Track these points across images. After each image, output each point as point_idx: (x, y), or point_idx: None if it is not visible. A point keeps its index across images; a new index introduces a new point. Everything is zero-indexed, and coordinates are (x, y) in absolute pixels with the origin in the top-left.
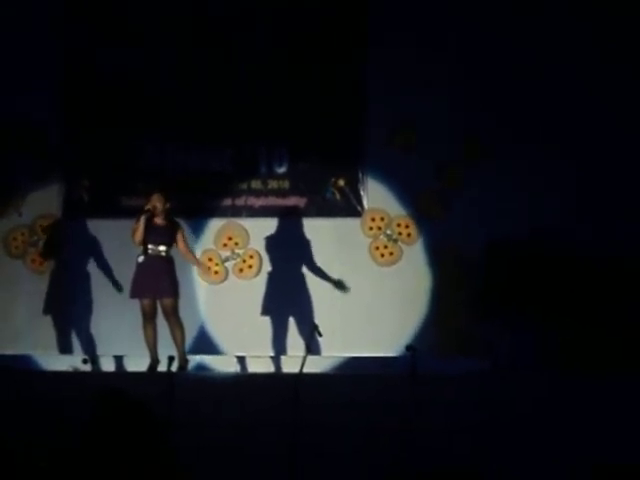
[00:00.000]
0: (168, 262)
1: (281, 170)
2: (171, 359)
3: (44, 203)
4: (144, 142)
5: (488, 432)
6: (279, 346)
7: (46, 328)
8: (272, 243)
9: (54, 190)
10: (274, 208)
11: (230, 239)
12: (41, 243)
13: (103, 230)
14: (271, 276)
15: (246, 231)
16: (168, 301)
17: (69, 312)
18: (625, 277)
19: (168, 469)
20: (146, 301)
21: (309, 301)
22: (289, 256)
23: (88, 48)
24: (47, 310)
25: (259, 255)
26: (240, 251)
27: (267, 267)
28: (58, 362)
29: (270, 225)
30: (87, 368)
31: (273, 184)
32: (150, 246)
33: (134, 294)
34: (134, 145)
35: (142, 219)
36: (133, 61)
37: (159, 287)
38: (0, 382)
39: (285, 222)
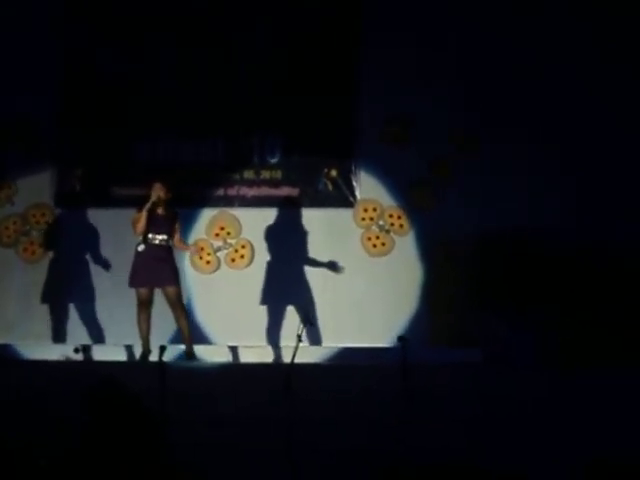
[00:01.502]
0: (168, 251)
1: (274, 160)
2: (162, 349)
3: (36, 192)
4: (137, 132)
5: (479, 423)
6: (271, 336)
7: (38, 317)
8: (264, 233)
9: (46, 179)
10: (266, 198)
11: (222, 229)
12: (35, 233)
13: (95, 219)
14: (263, 266)
15: (238, 221)
16: (172, 289)
17: (61, 301)
18: (621, 272)
19: (165, 465)
20: (143, 289)
21: (301, 291)
22: (281, 246)
23: (87, 43)
24: (39, 299)
25: (251, 245)
26: (232, 241)
27: (259, 257)
28: (50, 351)
29: (262, 215)
30: (79, 357)
31: (266, 174)
32: (150, 235)
33: (134, 283)
34: (127, 135)
35: (145, 211)
36: (128, 54)
37: (161, 276)
38: None
39: (277, 212)
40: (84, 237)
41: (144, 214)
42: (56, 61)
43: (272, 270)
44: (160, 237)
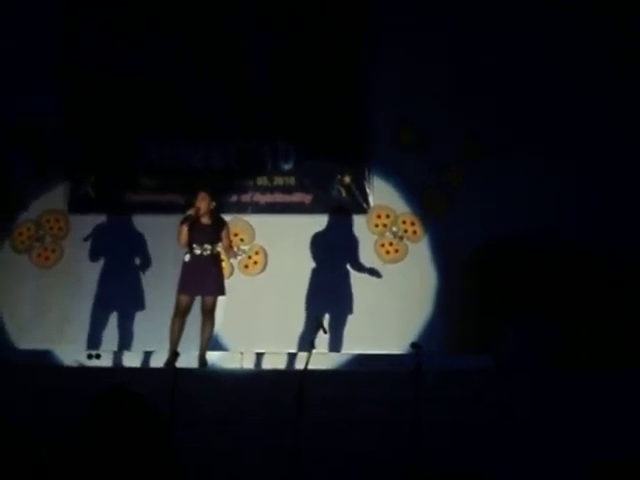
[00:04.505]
0: (214, 260)
1: (287, 167)
2: (176, 355)
3: (50, 198)
4: (150, 138)
5: (491, 430)
6: (284, 342)
7: (51, 323)
8: (278, 240)
9: (60, 185)
10: (280, 205)
11: (236, 235)
12: (48, 238)
13: (109, 225)
14: (277, 273)
15: (252, 227)
16: (211, 299)
17: (74, 307)
18: (626, 275)
19: (168, 467)
20: (184, 298)
21: (314, 297)
22: (294, 253)
23: (90, 46)
24: (52, 304)
25: (264, 251)
26: (245, 247)
27: (273, 264)
28: (63, 357)
29: (276, 222)
30: (92, 363)
31: (279, 180)
32: (195, 245)
33: (181, 291)
34: (140, 141)
35: (186, 224)
36: (138, 58)
37: (205, 286)
38: (5, 376)
39: (291, 218)
40: (97, 243)
41: (185, 227)
42: (65, 67)
43: (285, 277)
44: (204, 247)
